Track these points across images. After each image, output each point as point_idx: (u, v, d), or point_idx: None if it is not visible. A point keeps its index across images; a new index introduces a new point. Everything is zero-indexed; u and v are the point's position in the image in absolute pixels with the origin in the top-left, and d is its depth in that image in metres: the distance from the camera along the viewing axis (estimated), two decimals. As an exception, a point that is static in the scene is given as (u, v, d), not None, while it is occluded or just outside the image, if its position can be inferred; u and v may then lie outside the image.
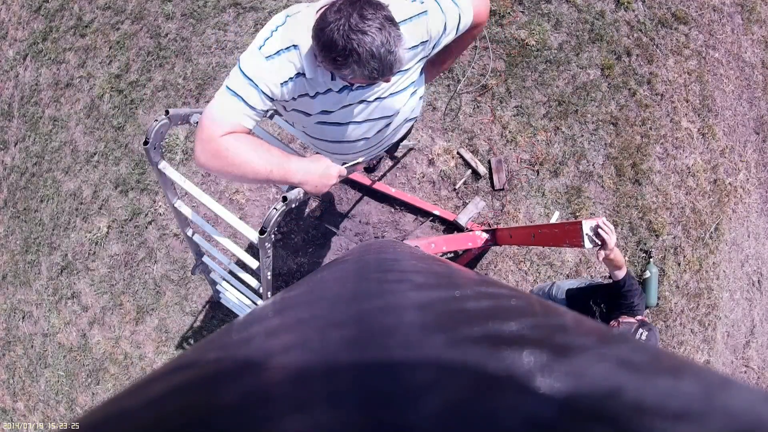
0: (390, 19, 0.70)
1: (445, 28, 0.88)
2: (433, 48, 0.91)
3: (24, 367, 2.62)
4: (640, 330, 1.16)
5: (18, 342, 2.63)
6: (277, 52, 0.78)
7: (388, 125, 1.01)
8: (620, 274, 1.26)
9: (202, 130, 0.79)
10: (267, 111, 0.86)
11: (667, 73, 2.23)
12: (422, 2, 0.84)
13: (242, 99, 0.78)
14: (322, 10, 0.72)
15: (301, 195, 0.82)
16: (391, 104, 0.95)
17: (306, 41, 0.76)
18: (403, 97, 0.95)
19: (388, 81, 0.80)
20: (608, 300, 1.35)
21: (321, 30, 0.69)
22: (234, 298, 1.61)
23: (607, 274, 1.35)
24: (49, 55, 2.54)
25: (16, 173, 2.61)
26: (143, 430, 0.16)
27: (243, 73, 0.78)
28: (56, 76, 2.53)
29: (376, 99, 0.92)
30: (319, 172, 0.86)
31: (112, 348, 2.43)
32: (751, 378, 2.41)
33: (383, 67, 0.71)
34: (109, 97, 2.42)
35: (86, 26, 2.48)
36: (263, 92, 0.79)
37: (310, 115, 0.91)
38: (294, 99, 0.85)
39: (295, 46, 0.78)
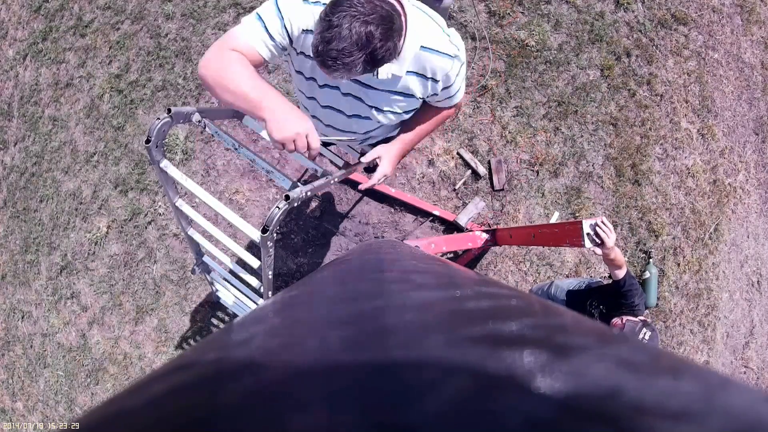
0: (380, 21, 0.69)
1: (447, 89, 0.90)
2: (429, 98, 0.93)
3: (23, 367, 2.62)
4: (644, 330, 1.16)
5: (17, 342, 2.63)
6: (316, 1, 0.80)
7: (358, 122, 1.01)
8: (620, 273, 1.26)
9: (219, 40, 0.82)
10: (284, 49, 0.87)
11: (667, 74, 2.23)
12: (457, 52, 0.84)
13: (265, 26, 0.81)
14: None
15: (304, 194, 0.82)
16: (362, 108, 0.96)
17: None
18: (377, 112, 0.95)
19: (330, 75, 0.76)
20: (608, 300, 1.35)
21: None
22: (234, 297, 1.61)
23: (607, 274, 1.35)
24: (49, 55, 2.53)
25: (15, 173, 2.60)
26: (143, 430, 0.16)
27: (276, 5, 0.80)
28: (56, 76, 2.53)
29: (348, 94, 0.93)
30: (288, 117, 0.79)
31: (111, 348, 2.43)
32: (751, 378, 2.41)
33: (326, 57, 0.70)
34: (108, 97, 2.42)
35: (86, 26, 2.48)
36: (285, 27, 0.81)
37: (300, 75, 0.94)
38: (302, 54, 0.88)
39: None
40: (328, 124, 1.07)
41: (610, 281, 1.34)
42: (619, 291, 1.28)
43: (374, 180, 0.90)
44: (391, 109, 0.95)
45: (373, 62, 0.72)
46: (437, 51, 0.82)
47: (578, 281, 1.59)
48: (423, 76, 0.86)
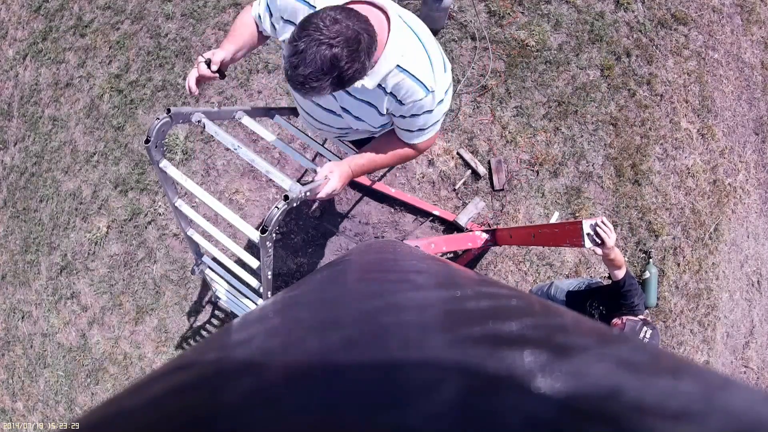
0: (345, 43, 0.70)
1: (412, 118, 0.91)
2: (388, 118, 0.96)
3: (23, 367, 2.62)
4: (645, 328, 1.16)
5: (17, 342, 2.63)
6: None
7: (333, 118, 1.06)
8: (620, 273, 1.26)
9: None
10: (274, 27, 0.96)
11: (667, 74, 2.23)
12: (435, 87, 0.85)
13: (258, 7, 0.96)
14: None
15: (303, 194, 0.82)
16: (335, 106, 0.98)
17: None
18: (346, 114, 0.99)
19: (303, 97, 0.80)
20: (608, 300, 1.35)
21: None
22: (234, 297, 1.61)
23: (607, 274, 1.35)
24: (49, 55, 2.53)
25: (15, 173, 2.60)
26: (143, 430, 0.16)
27: None
28: (56, 76, 2.53)
29: None
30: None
31: (111, 348, 2.43)
32: (751, 378, 2.41)
33: (295, 81, 0.72)
34: (108, 97, 2.42)
35: (86, 26, 2.48)
36: (270, 13, 0.93)
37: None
38: (284, 42, 0.95)
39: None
40: (309, 113, 1.10)
41: (610, 282, 1.34)
42: (618, 291, 1.28)
43: (322, 194, 0.91)
44: (359, 116, 0.97)
45: (341, 83, 0.74)
46: (412, 75, 0.83)
47: (578, 282, 1.59)
48: (392, 94, 0.87)
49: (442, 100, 0.89)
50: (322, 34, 0.68)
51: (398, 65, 0.81)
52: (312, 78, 0.70)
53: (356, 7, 0.77)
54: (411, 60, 0.82)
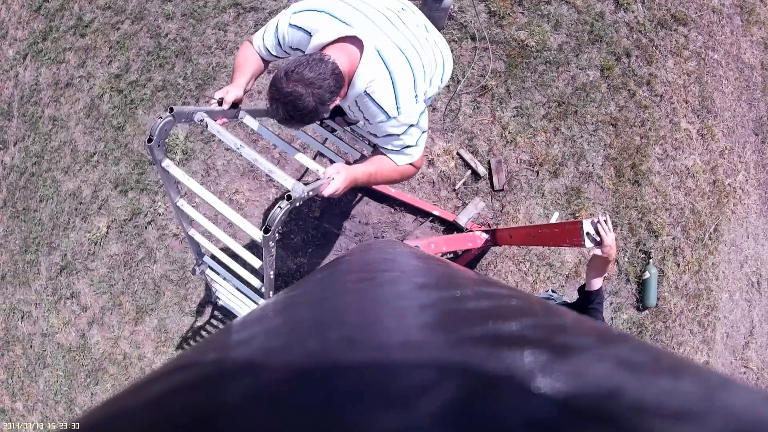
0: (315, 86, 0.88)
1: (384, 138, 1.04)
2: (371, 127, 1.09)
3: (23, 367, 2.61)
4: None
5: (17, 342, 2.63)
6: (297, 26, 1.02)
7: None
8: (597, 283, 1.18)
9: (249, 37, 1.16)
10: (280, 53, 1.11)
11: (667, 75, 2.23)
12: (396, 115, 0.98)
13: (263, 36, 1.09)
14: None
15: (306, 193, 0.82)
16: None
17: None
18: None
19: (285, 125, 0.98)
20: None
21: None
22: (234, 297, 1.61)
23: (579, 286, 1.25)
24: (49, 55, 2.53)
25: (15, 173, 2.60)
26: (143, 430, 0.16)
27: (276, 26, 1.06)
28: (56, 76, 2.53)
29: None
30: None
31: (111, 348, 2.43)
32: (751, 379, 2.41)
33: (276, 120, 0.92)
34: (108, 97, 2.42)
35: (86, 26, 2.48)
36: (279, 42, 1.07)
37: None
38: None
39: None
40: None
41: (575, 300, 1.24)
42: (586, 307, 1.18)
43: (325, 193, 0.97)
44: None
45: (312, 119, 0.92)
46: (374, 101, 0.97)
47: (544, 295, 1.51)
48: (362, 113, 1.03)
49: (411, 125, 1.01)
50: (280, 94, 0.87)
51: (365, 91, 0.96)
52: (285, 122, 0.92)
53: (331, 48, 0.92)
54: (376, 88, 0.95)
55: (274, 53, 1.09)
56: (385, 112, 0.97)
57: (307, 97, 0.86)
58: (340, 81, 0.90)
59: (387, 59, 0.95)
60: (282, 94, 0.86)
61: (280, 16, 1.04)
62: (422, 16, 1.18)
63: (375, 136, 1.06)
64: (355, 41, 0.94)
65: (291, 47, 1.05)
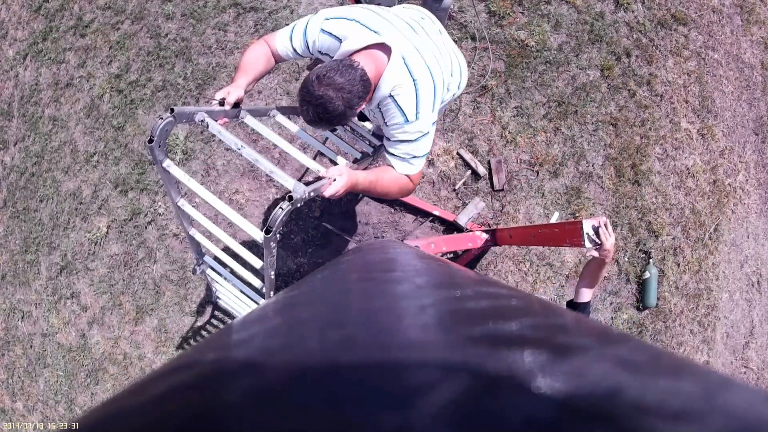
0: (343, 91, 0.93)
1: (394, 143, 1.07)
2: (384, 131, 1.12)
3: (23, 367, 2.62)
4: None
5: (17, 342, 2.63)
6: (328, 31, 1.08)
7: None
8: (587, 295, 1.16)
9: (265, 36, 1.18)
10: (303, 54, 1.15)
11: (667, 74, 2.23)
12: (414, 120, 1.02)
13: (291, 37, 1.11)
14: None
15: (307, 194, 0.82)
16: None
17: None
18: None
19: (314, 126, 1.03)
20: None
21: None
22: (234, 298, 1.61)
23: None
24: (49, 55, 2.53)
25: (15, 173, 2.60)
26: (143, 430, 0.16)
27: (305, 29, 1.10)
28: (56, 76, 2.53)
29: None
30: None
31: (111, 348, 2.43)
32: (751, 379, 2.41)
33: (309, 112, 0.96)
34: (109, 97, 2.42)
35: (86, 26, 2.48)
36: (308, 45, 1.10)
37: None
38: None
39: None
40: None
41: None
42: None
43: (326, 193, 0.98)
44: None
45: (339, 121, 0.97)
46: (397, 104, 1.01)
47: None
48: (381, 114, 1.07)
49: (425, 134, 1.05)
50: (311, 96, 0.92)
51: (390, 94, 1.01)
52: (314, 124, 0.97)
53: (359, 55, 0.97)
54: (401, 92, 1.01)
55: (300, 53, 1.12)
56: (405, 115, 1.01)
57: (337, 101, 0.91)
58: (368, 87, 0.96)
59: (411, 66, 1.00)
60: (313, 97, 0.91)
61: (308, 20, 1.08)
62: (438, 23, 1.24)
63: (387, 139, 1.09)
64: (383, 48, 0.99)
65: (320, 51, 1.09)
